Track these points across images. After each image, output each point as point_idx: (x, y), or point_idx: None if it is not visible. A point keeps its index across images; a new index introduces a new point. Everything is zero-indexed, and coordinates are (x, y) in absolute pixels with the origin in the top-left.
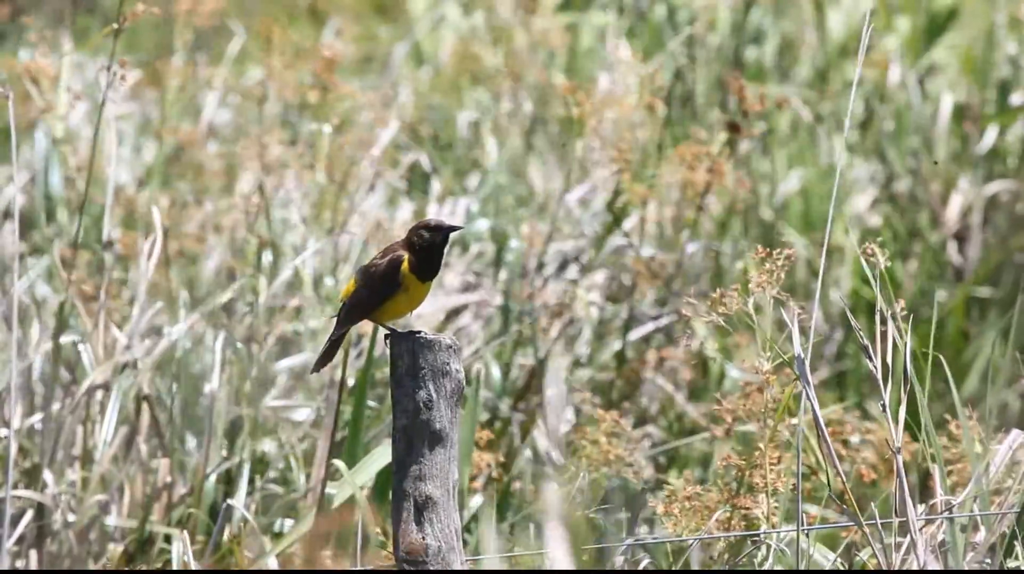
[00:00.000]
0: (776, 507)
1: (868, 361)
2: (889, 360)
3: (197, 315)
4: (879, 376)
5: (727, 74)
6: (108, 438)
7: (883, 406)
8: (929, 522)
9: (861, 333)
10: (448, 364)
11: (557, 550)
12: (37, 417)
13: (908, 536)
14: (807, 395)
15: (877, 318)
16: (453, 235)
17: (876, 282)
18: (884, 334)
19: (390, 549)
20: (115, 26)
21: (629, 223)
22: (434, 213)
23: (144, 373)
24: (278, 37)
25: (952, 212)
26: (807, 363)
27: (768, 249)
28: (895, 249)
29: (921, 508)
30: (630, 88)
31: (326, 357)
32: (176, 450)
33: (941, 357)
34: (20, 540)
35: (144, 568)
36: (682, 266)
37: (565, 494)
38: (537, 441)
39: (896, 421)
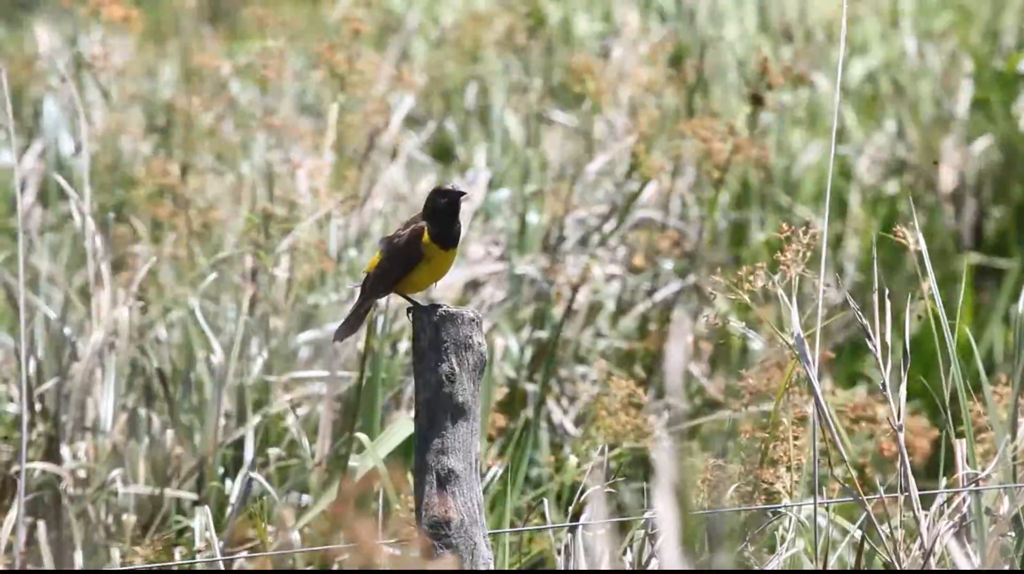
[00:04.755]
0: (797, 482)
1: (868, 341)
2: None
3: (206, 282)
4: (878, 357)
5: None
6: (113, 406)
7: (883, 385)
8: (953, 495)
9: (860, 313)
10: (471, 337)
11: (666, 516)
12: (48, 384)
13: (917, 513)
14: (810, 377)
15: (876, 298)
16: (464, 202)
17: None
18: (884, 313)
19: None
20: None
21: (648, 195)
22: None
23: (154, 343)
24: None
25: (948, 176)
26: (806, 343)
27: (789, 224)
28: (902, 218)
29: (944, 481)
30: (641, 59)
31: (350, 327)
32: (186, 421)
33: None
34: (35, 512)
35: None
36: (702, 237)
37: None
38: (552, 414)
39: (896, 398)
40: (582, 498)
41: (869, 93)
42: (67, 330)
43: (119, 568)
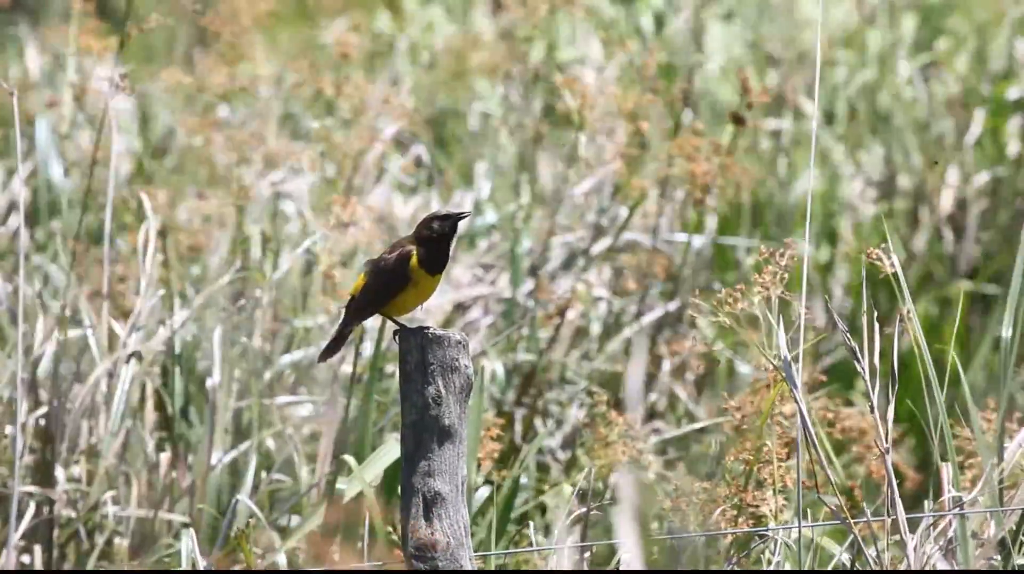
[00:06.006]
0: (785, 504)
1: (856, 363)
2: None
3: (198, 306)
4: (866, 378)
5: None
6: (114, 430)
7: (871, 407)
8: (939, 518)
9: (848, 335)
10: (457, 360)
11: (628, 541)
12: (42, 410)
13: (904, 536)
14: (796, 399)
15: (865, 321)
16: (462, 223)
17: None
18: (873, 335)
19: (399, 545)
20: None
21: (635, 217)
22: (439, 207)
23: (147, 365)
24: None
25: (945, 203)
26: (795, 366)
27: (772, 248)
28: (894, 242)
29: (929, 504)
30: (610, 80)
31: (333, 348)
32: (181, 444)
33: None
34: (26, 534)
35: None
36: (687, 260)
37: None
38: (542, 437)
39: (884, 420)
40: (569, 521)
41: (859, 119)
42: (68, 351)
43: (118, 568)
